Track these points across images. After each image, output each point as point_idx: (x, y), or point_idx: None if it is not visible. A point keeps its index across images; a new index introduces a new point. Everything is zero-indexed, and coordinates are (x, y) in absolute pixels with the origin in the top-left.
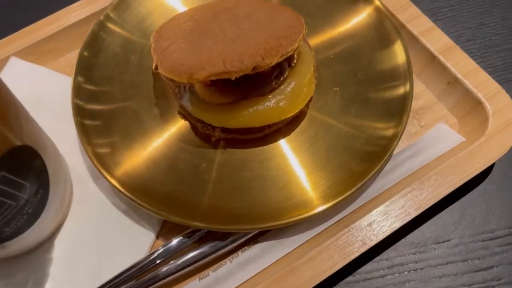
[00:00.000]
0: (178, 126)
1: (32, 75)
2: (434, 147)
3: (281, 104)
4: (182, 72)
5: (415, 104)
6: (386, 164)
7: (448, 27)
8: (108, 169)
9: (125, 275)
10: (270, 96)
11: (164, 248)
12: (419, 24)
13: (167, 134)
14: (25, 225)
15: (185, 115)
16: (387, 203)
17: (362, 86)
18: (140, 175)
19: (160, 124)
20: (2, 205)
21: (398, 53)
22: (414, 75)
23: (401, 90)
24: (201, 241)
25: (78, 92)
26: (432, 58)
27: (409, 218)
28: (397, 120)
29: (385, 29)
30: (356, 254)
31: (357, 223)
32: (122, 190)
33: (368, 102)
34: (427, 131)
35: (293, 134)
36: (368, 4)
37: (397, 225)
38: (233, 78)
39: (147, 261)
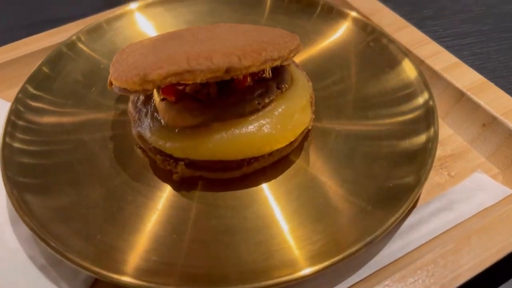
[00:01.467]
0: (133, 164)
1: None
2: (472, 200)
3: (265, 129)
4: (134, 74)
5: (442, 151)
6: (404, 218)
7: (475, 62)
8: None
9: None
10: (252, 118)
11: None
12: (441, 59)
13: (115, 172)
14: None
15: (143, 148)
16: (407, 271)
17: (372, 126)
18: (74, 218)
19: (112, 162)
20: None
21: (417, 88)
22: (439, 119)
23: (422, 136)
24: None
25: (16, 113)
26: (459, 97)
27: None
28: (419, 163)
29: (393, 57)
30: None
31: None
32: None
33: (380, 147)
34: (461, 182)
35: (278, 179)
36: (372, 32)
37: None
38: (198, 81)
39: None
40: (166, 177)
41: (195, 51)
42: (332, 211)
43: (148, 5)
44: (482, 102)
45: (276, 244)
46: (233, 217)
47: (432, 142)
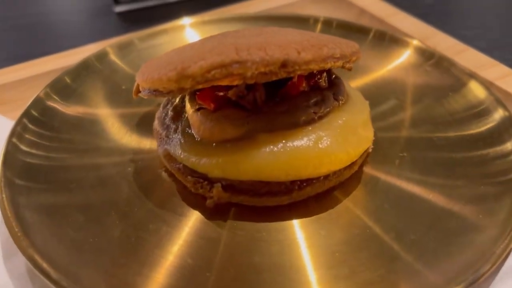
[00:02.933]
0: (157, 189)
1: None
2: None
3: (323, 143)
4: (170, 69)
5: None
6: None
7: None
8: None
9: None
10: (307, 129)
11: None
12: None
13: (137, 198)
14: None
15: (170, 171)
16: None
17: (442, 153)
18: (83, 249)
19: (131, 186)
20: None
21: (489, 105)
22: None
23: (509, 155)
24: None
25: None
26: None
27: None
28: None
29: (456, 79)
30: None
31: None
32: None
33: (455, 189)
34: None
35: (314, 218)
36: (430, 57)
37: None
38: (249, 75)
39: None
40: (196, 204)
41: (245, 43)
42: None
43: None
44: None
45: None
46: (265, 254)
47: None
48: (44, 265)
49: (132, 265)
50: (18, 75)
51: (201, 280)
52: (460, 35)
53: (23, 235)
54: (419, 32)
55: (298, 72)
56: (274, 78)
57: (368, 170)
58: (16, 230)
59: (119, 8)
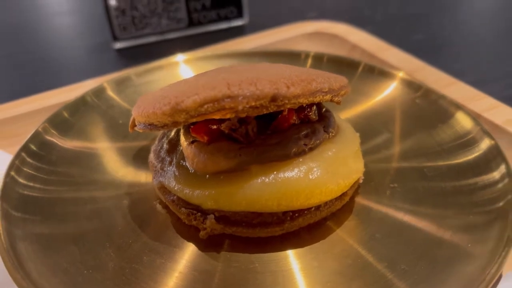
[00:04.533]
0: (152, 221)
1: None
2: None
3: (314, 174)
4: (164, 104)
5: None
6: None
7: None
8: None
9: None
10: (298, 160)
11: None
12: (501, 113)
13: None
14: None
15: (164, 203)
16: None
17: (432, 183)
18: (75, 280)
19: (126, 218)
20: None
21: (476, 136)
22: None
23: (497, 184)
24: None
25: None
26: None
27: None
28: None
29: (444, 111)
30: None
31: None
32: None
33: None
34: None
35: (310, 247)
36: (418, 89)
37: None
38: (240, 108)
39: None
40: (190, 236)
41: (237, 78)
42: None
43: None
44: None
45: None
46: (260, 285)
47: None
48: None
49: None
50: (18, 111)
51: None
52: (449, 69)
53: (19, 266)
54: (408, 66)
55: (288, 106)
56: (264, 112)
57: (359, 200)
58: (11, 261)
59: (118, 45)
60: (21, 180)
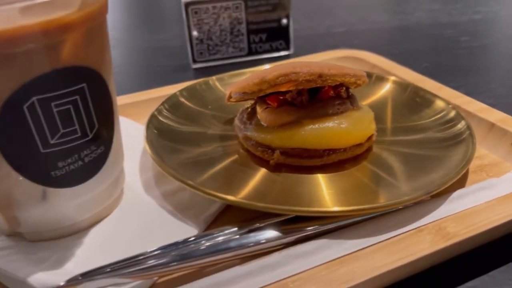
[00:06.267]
0: (238, 157)
1: None
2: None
3: (343, 125)
4: (254, 78)
5: (480, 161)
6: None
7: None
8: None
9: (159, 251)
10: (334, 117)
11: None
12: (473, 105)
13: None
14: (77, 176)
15: (245, 149)
16: None
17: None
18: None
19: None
20: (67, 120)
21: (454, 118)
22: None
23: (462, 144)
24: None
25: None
26: (491, 127)
27: None
28: (463, 151)
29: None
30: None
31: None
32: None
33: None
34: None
35: (335, 174)
36: (406, 88)
37: None
38: (300, 80)
39: (187, 241)
40: (261, 164)
41: (298, 65)
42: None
43: None
44: (510, 129)
45: None
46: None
47: (472, 137)
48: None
49: (224, 183)
50: (139, 98)
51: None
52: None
53: (159, 160)
54: (413, 79)
55: (328, 82)
56: (313, 85)
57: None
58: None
59: (196, 66)
60: (160, 118)
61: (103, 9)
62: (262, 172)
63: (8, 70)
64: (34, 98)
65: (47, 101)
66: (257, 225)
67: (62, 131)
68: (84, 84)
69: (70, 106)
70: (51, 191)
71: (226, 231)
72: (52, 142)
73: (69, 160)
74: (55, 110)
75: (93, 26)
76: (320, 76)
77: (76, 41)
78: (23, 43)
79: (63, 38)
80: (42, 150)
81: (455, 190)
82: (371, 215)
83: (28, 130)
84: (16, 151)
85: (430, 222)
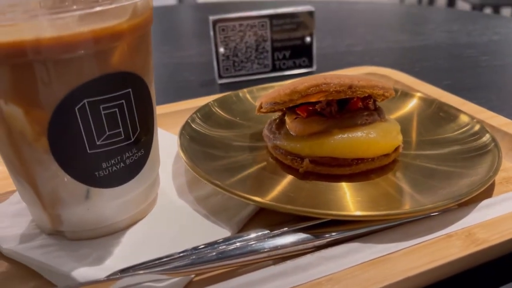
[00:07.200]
0: (268, 165)
1: None
2: None
3: (371, 135)
4: (285, 89)
5: (506, 174)
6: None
7: None
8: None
9: (196, 250)
10: (362, 128)
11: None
12: (496, 120)
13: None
14: (119, 177)
15: (275, 157)
16: None
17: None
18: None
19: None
20: (113, 123)
21: (479, 132)
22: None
23: (488, 156)
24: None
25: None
26: None
27: None
28: (489, 164)
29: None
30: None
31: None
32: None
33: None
34: None
35: (359, 183)
36: (431, 104)
37: None
38: (331, 90)
39: (222, 241)
40: (290, 172)
41: (329, 76)
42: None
43: None
44: None
45: None
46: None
47: (498, 148)
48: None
49: (254, 186)
50: (169, 110)
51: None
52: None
53: (193, 165)
54: (436, 95)
55: (358, 93)
56: (342, 96)
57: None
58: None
59: (221, 81)
60: (193, 126)
61: (150, 20)
62: (290, 178)
63: (63, 74)
64: (85, 101)
65: (96, 103)
66: (288, 229)
67: (108, 133)
68: (129, 89)
69: (116, 109)
70: (94, 190)
71: (259, 233)
72: (98, 143)
73: (112, 161)
74: (103, 112)
75: (140, 35)
76: (350, 87)
77: (124, 49)
78: (78, 49)
79: (113, 45)
80: (88, 151)
81: (482, 199)
82: (400, 222)
83: (78, 131)
84: (65, 151)
85: (459, 229)
